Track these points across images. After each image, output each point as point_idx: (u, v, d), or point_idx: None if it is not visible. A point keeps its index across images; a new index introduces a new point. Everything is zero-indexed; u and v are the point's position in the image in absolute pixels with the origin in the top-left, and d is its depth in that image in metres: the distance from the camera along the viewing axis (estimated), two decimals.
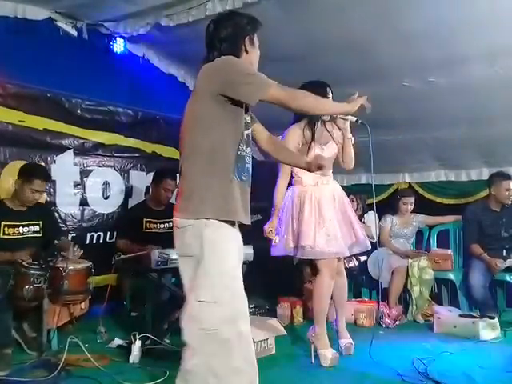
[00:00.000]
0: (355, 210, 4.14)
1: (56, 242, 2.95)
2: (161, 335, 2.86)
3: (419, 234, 4.17)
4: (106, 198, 3.89)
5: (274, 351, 2.80)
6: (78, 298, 2.75)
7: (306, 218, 2.59)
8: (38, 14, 3.46)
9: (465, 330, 3.11)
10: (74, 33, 3.69)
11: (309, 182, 2.67)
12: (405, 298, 3.82)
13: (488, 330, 3.07)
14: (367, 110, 2.29)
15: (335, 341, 2.77)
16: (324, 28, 3.23)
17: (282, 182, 2.70)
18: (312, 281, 2.83)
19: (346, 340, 2.77)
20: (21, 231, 2.87)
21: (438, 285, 3.83)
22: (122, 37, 3.95)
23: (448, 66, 3.35)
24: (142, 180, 4.12)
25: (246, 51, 1.77)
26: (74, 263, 2.73)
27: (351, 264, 3.78)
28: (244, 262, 3.55)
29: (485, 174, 4.09)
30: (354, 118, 2.53)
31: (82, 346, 2.53)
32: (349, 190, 4.42)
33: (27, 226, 2.90)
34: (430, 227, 4.14)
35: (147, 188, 4.14)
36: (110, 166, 3.91)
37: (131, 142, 4.04)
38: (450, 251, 3.86)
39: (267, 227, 2.64)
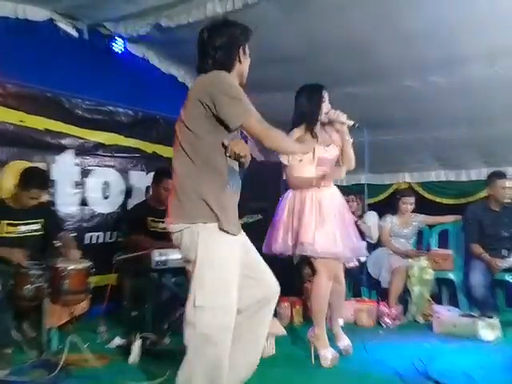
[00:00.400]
0: (355, 210, 4.16)
1: (57, 242, 2.95)
2: (161, 335, 2.86)
3: (419, 233, 4.17)
4: (106, 197, 3.89)
5: (273, 351, 2.80)
6: (78, 297, 2.75)
7: (306, 216, 2.59)
8: (38, 14, 3.46)
9: (465, 329, 3.11)
10: (75, 33, 3.70)
11: None
12: (405, 298, 3.82)
13: (488, 330, 3.06)
14: (356, 125, 2.34)
15: (334, 341, 2.77)
16: (324, 28, 3.23)
17: None
18: (311, 280, 2.84)
19: (343, 341, 2.77)
20: (22, 230, 2.88)
21: (438, 285, 3.82)
22: (122, 37, 3.95)
23: (448, 66, 3.36)
24: (142, 180, 4.12)
25: (240, 61, 1.82)
26: (74, 263, 2.74)
27: (351, 264, 3.78)
28: None
29: (485, 173, 4.08)
30: (351, 122, 2.54)
31: (81, 345, 2.53)
32: (348, 189, 4.43)
33: (28, 224, 2.91)
34: (430, 227, 4.14)
35: (147, 188, 4.14)
36: (110, 166, 3.92)
37: (131, 142, 4.05)
38: (450, 251, 3.86)
39: None
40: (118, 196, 3.96)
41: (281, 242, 2.65)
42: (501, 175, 3.66)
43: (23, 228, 2.89)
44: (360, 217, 4.13)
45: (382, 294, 3.84)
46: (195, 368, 1.65)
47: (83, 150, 3.72)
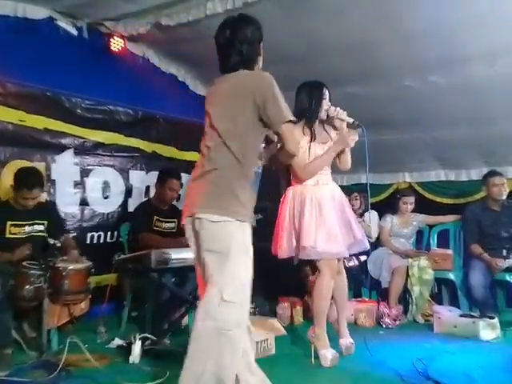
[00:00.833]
0: (358, 208, 4.16)
1: (57, 242, 2.94)
2: (161, 335, 2.86)
3: (419, 233, 4.17)
4: (106, 197, 3.88)
5: (273, 351, 2.80)
6: (78, 297, 2.75)
7: (306, 218, 2.59)
8: (38, 13, 3.46)
9: (465, 329, 3.11)
10: (74, 32, 3.69)
11: (309, 182, 2.67)
12: (405, 298, 3.82)
13: (488, 330, 3.07)
14: (356, 123, 2.35)
15: (335, 341, 2.77)
16: (324, 28, 3.23)
17: None
18: (314, 274, 2.83)
19: (346, 340, 2.77)
20: (26, 230, 2.88)
21: (438, 285, 3.82)
22: (122, 36, 3.94)
23: (448, 65, 3.35)
24: (142, 180, 4.11)
25: (260, 54, 1.86)
26: (74, 263, 2.73)
27: (351, 263, 3.78)
28: None
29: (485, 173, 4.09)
30: (351, 120, 2.53)
31: (82, 346, 2.53)
32: (349, 189, 4.43)
33: (32, 225, 2.91)
34: (430, 227, 4.14)
35: (147, 187, 4.14)
36: (110, 166, 3.91)
37: (131, 142, 4.04)
38: (450, 251, 3.86)
39: None
40: (117, 196, 3.95)
41: (286, 246, 2.65)
42: (492, 173, 3.68)
43: (28, 229, 2.89)
44: (361, 215, 4.13)
45: (382, 294, 3.85)
46: (207, 366, 1.59)
47: (83, 150, 3.71)
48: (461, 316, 3.27)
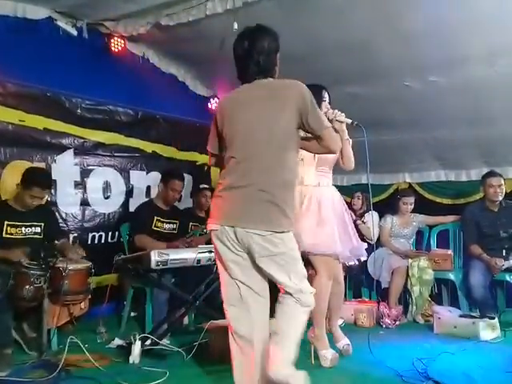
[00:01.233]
0: (360, 208, 4.16)
1: (56, 242, 2.94)
2: (161, 335, 2.86)
3: (419, 234, 4.17)
4: (107, 197, 3.88)
5: None
6: (78, 298, 2.76)
7: (306, 217, 2.59)
8: (37, 13, 3.45)
9: (465, 330, 3.11)
10: (74, 32, 3.68)
11: (310, 182, 2.67)
12: (405, 298, 3.82)
13: (488, 331, 3.07)
14: (354, 123, 2.35)
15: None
16: (324, 28, 3.23)
17: None
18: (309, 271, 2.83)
19: (343, 342, 2.77)
20: (23, 231, 2.87)
21: (437, 285, 3.83)
22: (121, 36, 3.94)
23: (448, 66, 3.35)
24: (142, 180, 4.12)
25: (277, 64, 1.90)
26: (74, 263, 2.73)
27: (351, 262, 3.77)
28: None
29: None
30: (350, 121, 2.53)
31: (82, 346, 2.53)
32: (350, 189, 4.43)
33: (30, 226, 2.90)
34: (430, 227, 4.14)
35: (148, 188, 4.14)
36: (111, 166, 3.91)
37: (131, 142, 4.04)
38: (449, 251, 3.86)
39: None
40: (118, 196, 3.95)
41: None
42: (489, 174, 3.68)
43: (25, 230, 2.88)
44: (362, 215, 4.13)
45: (382, 295, 3.84)
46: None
47: (83, 150, 3.71)
48: (461, 316, 3.27)
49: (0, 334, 2.48)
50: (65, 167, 3.59)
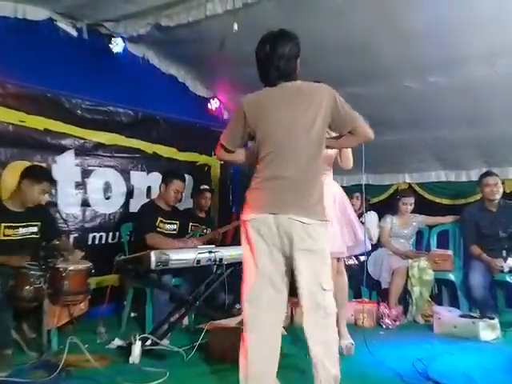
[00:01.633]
0: (358, 208, 4.16)
1: (56, 242, 2.94)
2: (161, 336, 2.86)
3: (419, 234, 4.17)
4: (108, 198, 3.88)
5: None
6: (78, 298, 2.75)
7: None
8: (37, 14, 3.46)
9: (465, 330, 3.11)
10: (74, 33, 3.69)
11: None
12: (405, 299, 3.82)
13: (488, 331, 3.07)
14: None
15: None
16: (324, 28, 3.23)
17: None
18: None
19: (346, 341, 2.77)
20: (20, 232, 2.86)
21: (438, 285, 3.83)
22: (122, 37, 3.94)
23: (448, 66, 3.35)
24: (143, 180, 4.12)
25: (297, 68, 1.95)
26: (74, 264, 2.73)
27: (350, 262, 3.78)
28: None
29: None
30: None
31: (82, 346, 2.53)
32: (349, 190, 4.42)
33: (26, 226, 2.89)
34: (430, 227, 4.14)
35: (148, 188, 4.14)
36: (111, 167, 3.91)
37: (132, 143, 4.04)
38: (449, 251, 3.86)
39: None
40: (119, 196, 3.95)
41: None
42: (486, 174, 3.68)
43: (22, 230, 2.87)
44: (360, 215, 4.13)
45: (382, 295, 3.85)
46: (335, 346, 1.85)
47: (84, 151, 3.72)
48: (461, 316, 3.27)
49: (0, 335, 2.48)
50: (65, 168, 3.59)
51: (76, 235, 3.62)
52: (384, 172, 4.61)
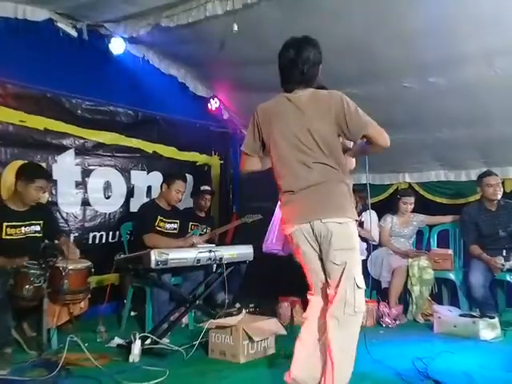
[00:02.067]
0: (355, 207, 4.15)
1: (56, 241, 2.95)
2: (161, 335, 2.86)
3: (419, 233, 4.16)
4: (108, 197, 3.89)
5: (274, 351, 2.80)
6: (77, 297, 2.76)
7: None
8: (38, 14, 3.47)
9: (465, 329, 3.11)
10: (74, 33, 3.70)
11: None
12: (405, 298, 3.82)
13: (488, 330, 3.06)
14: None
15: None
16: (323, 29, 3.22)
17: None
18: None
19: None
20: (23, 231, 2.87)
21: (438, 284, 3.82)
22: (122, 37, 3.95)
23: (447, 66, 3.35)
24: (143, 180, 4.13)
25: (318, 75, 2.02)
26: (74, 263, 2.74)
27: None
28: (244, 262, 3.58)
29: None
30: None
31: (81, 345, 2.53)
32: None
33: (29, 225, 2.90)
34: (430, 227, 4.14)
35: (149, 187, 4.15)
36: (111, 166, 3.92)
37: (132, 142, 4.06)
38: (450, 251, 3.86)
39: None
40: (119, 196, 3.96)
41: (275, 241, 2.66)
42: (486, 173, 3.67)
43: (24, 229, 2.88)
44: (358, 215, 4.12)
45: (382, 294, 3.84)
46: (355, 344, 1.90)
47: (84, 150, 3.73)
48: (461, 316, 3.27)
49: (0, 334, 2.48)
50: (66, 167, 3.60)
51: (76, 234, 3.63)
52: (384, 172, 4.61)
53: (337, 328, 1.84)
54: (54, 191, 3.50)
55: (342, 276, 1.85)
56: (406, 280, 3.71)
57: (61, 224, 3.46)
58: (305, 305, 3.57)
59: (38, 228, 2.94)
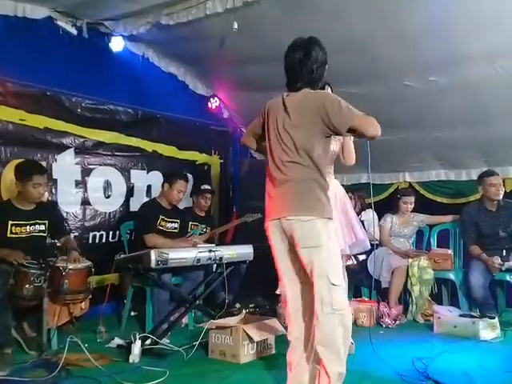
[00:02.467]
0: (354, 207, 4.15)
1: (56, 242, 2.95)
2: (161, 335, 2.86)
3: (419, 233, 4.16)
4: (108, 197, 3.89)
5: (273, 351, 2.80)
6: (78, 297, 2.76)
7: None
8: (37, 12, 3.45)
9: (465, 329, 3.11)
10: (74, 32, 3.68)
11: None
12: (405, 298, 3.82)
13: (488, 330, 3.07)
14: None
15: None
16: (324, 28, 3.20)
17: None
18: None
19: None
20: (28, 230, 2.87)
21: (438, 284, 3.82)
22: (121, 35, 3.94)
23: (448, 65, 3.34)
24: (143, 179, 4.12)
25: (324, 75, 2.08)
26: (74, 263, 2.73)
27: (349, 262, 3.77)
28: (244, 262, 3.57)
29: None
30: None
31: (81, 345, 2.53)
32: (348, 189, 4.41)
33: (34, 224, 2.90)
34: (430, 227, 4.14)
35: (148, 187, 4.14)
36: (111, 165, 3.91)
37: (132, 141, 4.04)
38: (450, 251, 3.86)
39: None
40: (119, 195, 3.95)
41: None
42: (488, 173, 3.66)
43: (29, 228, 2.87)
44: (357, 214, 4.11)
45: (382, 294, 3.84)
46: (338, 341, 1.87)
47: (84, 149, 3.72)
48: (461, 316, 3.27)
49: (0, 334, 2.48)
50: (65, 166, 3.59)
51: (76, 234, 3.63)
52: (384, 171, 4.61)
53: (317, 327, 1.87)
54: (53, 190, 3.49)
55: (313, 275, 1.88)
56: (405, 280, 3.71)
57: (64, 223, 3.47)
58: None
59: (42, 227, 2.94)
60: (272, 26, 3.27)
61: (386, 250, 3.94)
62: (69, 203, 3.60)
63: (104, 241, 3.82)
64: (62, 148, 3.58)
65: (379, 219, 4.09)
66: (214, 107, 4.82)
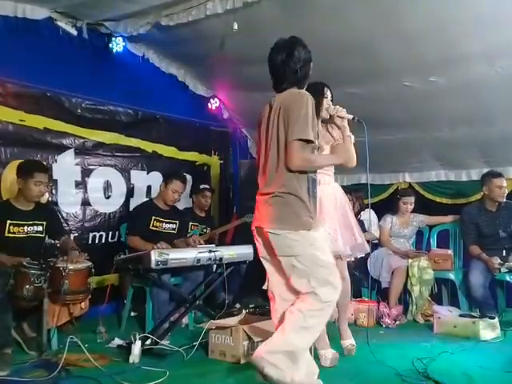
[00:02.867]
0: (352, 208, 4.14)
1: (57, 242, 2.95)
2: (161, 335, 2.86)
3: (419, 233, 4.16)
4: (108, 197, 3.89)
5: None
6: (78, 297, 2.75)
7: None
8: (37, 13, 3.46)
9: (465, 329, 3.11)
10: (74, 32, 3.69)
11: None
12: (405, 298, 3.82)
13: (488, 330, 3.06)
14: (355, 118, 2.38)
15: (336, 341, 2.77)
16: (324, 28, 3.22)
17: None
18: None
19: (348, 341, 2.77)
20: (25, 230, 2.87)
21: (438, 285, 3.82)
22: (122, 36, 3.95)
23: (448, 65, 3.35)
24: (143, 179, 4.12)
25: (309, 73, 2.06)
26: (74, 263, 2.73)
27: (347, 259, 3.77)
28: (244, 262, 3.57)
29: None
30: (351, 116, 2.53)
31: (81, 345, 2.53)
32: (347, 189, 4.42)
33: (32, 225, 2.90)
34: (430, 227, 4.14)
35: (148, 187, 4.15)
36: (111, 166, 3.92)
37: (132, 142, 4.05)
38: (449, 251, 3.86)
39: None
40: (119, 195, 3.96)
41: None
42: (496, 174, 3.65)
43: (27, 229, 2.88)
44: (356, 215, 4.12)
45: (382, 295, 3.85)
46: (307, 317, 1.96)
47: (84, 150, 3.72)
48: (461, 316, 3.27)
49: (0, 334, 2.48)
50: (65, 167, 3.60)
51: (76, 234, 3.63)
52: (384, 171, 4.61)
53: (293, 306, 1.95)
54: (54, 191, 3.49)
55: (291, 279, 1.94)
56: (405, 280, 3.71)
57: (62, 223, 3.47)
58: None
59: (40, 228, 2.94)
60: (272, 26, 3.27)
61: (386, 251, 3.94)
62: (69, 204, 3.61)
63: (104, 241, 3.82)
64: (62, 149, 3.59)
65: (379, 220, 4.09)
66: (213, 108, 4.83)
